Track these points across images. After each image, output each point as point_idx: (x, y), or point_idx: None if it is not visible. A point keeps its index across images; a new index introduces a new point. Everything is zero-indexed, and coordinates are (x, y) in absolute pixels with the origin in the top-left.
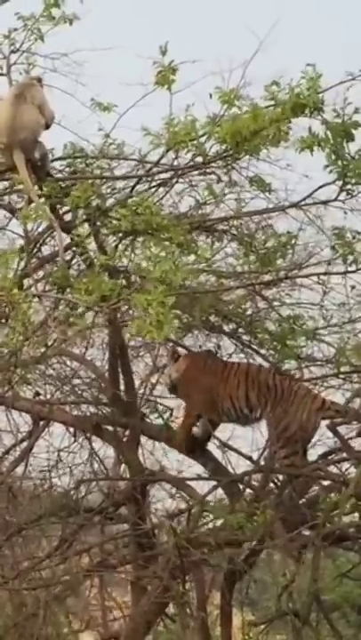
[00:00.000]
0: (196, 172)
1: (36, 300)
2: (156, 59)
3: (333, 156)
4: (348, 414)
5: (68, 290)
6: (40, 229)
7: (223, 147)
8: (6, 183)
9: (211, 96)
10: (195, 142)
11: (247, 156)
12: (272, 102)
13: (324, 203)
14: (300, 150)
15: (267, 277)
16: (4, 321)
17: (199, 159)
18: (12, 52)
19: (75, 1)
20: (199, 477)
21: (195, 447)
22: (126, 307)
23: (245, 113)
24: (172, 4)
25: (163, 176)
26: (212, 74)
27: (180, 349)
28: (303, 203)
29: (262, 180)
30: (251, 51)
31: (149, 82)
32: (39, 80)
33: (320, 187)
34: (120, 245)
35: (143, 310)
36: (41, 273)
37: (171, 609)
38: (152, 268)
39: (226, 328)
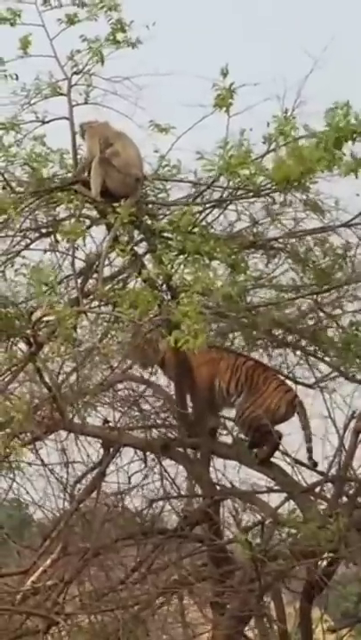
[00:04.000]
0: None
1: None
2: (215, 81)
3: None
4: None
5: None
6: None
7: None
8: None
9: (268, 125)
10: (246, 174)
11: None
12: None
13: None
14: (345, 174)
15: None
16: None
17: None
18: (75, 73)
19: (138, 24)
20: (270, 490)
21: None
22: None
23: (291, 155)
24: (235, 29)
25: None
26: (271, 98)
27: None
28: (353, 222)
29: (316, 204)
30: (314, 70)
31: (208, 104)
32: None
33: None
34: (174, 264)
35: (181, 320)
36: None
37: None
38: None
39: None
